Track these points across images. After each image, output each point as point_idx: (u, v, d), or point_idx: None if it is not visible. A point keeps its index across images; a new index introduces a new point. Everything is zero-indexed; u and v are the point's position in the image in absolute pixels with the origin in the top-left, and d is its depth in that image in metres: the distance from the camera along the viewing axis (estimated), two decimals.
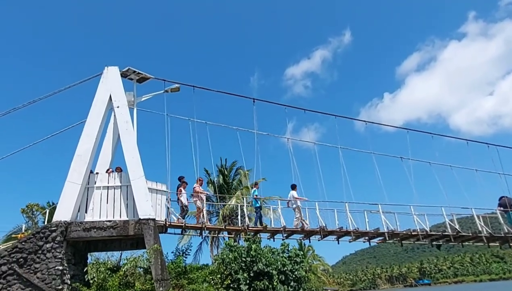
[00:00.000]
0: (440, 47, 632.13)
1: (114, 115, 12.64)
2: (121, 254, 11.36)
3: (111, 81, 12.73)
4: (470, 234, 15.66)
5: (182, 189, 13.03)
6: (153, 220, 11.02)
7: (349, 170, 16.42)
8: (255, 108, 15.57)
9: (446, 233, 15.19)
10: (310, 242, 15.99)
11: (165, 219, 11.92)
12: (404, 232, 14.79)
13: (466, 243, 17.06)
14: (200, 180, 13.87)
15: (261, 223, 14.28)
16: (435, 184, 17.15)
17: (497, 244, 16.91)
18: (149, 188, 11.57)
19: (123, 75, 13.28)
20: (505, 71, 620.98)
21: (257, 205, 14.63)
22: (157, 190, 12.03)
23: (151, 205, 11.27)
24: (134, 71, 13.41)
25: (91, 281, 9.81)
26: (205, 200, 13.53)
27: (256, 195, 14.73)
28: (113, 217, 11.06)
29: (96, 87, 12.52)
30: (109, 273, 9.80)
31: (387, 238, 14.77)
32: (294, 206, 14.64)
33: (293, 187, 14.97)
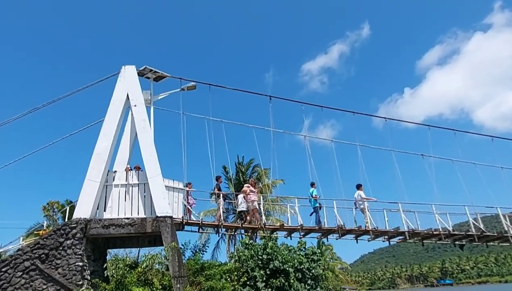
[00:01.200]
0: (463, 40, 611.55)
1: (132, 114, 12.80)
2: (139, 251, 11.53)
3: (128, 80, 12.89)
4: (496, 234, 15.10)
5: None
6: (170, 217, 11.10)
7: (367, 168, 16.09)
8: (271, 106, 15.49)
9: (469, 233, 14.68)
10: (328, 240, 15.80)
11: (182, 217, 12.01)
12: (425, 232, 14.38)
13: (491, 243, 16.43)
14: (253, 181, 14.43)
15: (319, 222, 14.01)
16: (457, 182, 16.63)
17: None
18: (166, 186, 11.68)
19: (140, 74, 13.44)
20: None
21: (316, 205, 14.33)
22: (173, 187, 12.13)
23: (168, 202, 11.38)
24: (151, 70, 13.55)
25: (110, 277, 9.97)
26: (256, 201, 13.71)
27: (315, 195, 14.47)
28: (131, 214, 11.22)
29: (113, 86, 12.71)
30: (127, 269, 9.95)
31: (408, 238, 14.39)
32: (362, 206, 14.41)
33: (359, 187, 14.79)
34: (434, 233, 14.32)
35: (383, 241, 15.34)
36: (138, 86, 12.99)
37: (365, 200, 14.35)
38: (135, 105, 12.63)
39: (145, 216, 11.21)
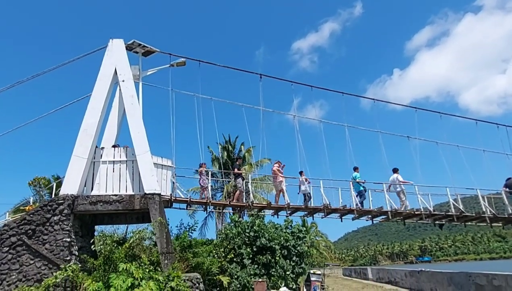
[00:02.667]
0: (453, 21, 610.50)
1: (120, 90, 12.54)
2: (127, 227, 11.64)
3: (116, 55, 12.55)
4: (474, 215, 15.68)
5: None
6: (159, 194, 11.16)
7: (355, 148, 16.34)
8: (261, 84, 15.38)
9: (449, 213, 15.21)
10: (313, 219, 16.25)
11: (171, 194, 12.08)
12: (407, 211, 14.86)
13: (469, 223, 17.13)
14: (278, 163, 14.42)
15: (362, 206, 14.37)
16: (441, 163, 17.04)
17: (500, 225, 16.98)
18: (154, 163, 11.66)
19: (128, 48, 13.08)
20: None
21: (360, 189, 14.65)
22: (162, 165, 12.12)
23: (156, 179, 11.39)
24: (140, 44, 13.19)
25: (98, 253, 10.07)
26: (282, 182, 13.99)
27: (359, 179, 14.76)
28: (119, 191, 11.21)
29: (101, 60, 12.35)
30: (115, 245, 10.04)
31: (390, 217, 14.86)
32: (399, 189, 14.75)
33: (396, 170, 15.09)
34: (416, 213, 14.81)
35: (367, 220, 15.80)
36: (126, 61, 12.67)
37: (402, 183, 14.74)
38: (123, 81, 12.35)
39: (133, 193, 11.22)
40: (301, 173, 14.82)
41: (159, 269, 9.96)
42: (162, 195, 11.39)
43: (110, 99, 12.59)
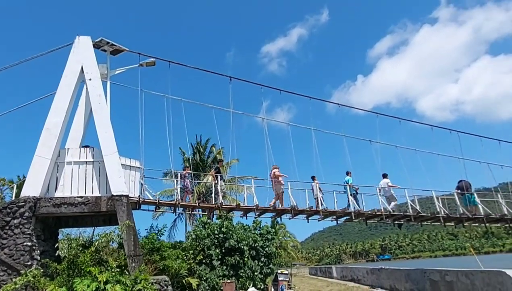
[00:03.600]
0: (412, 31, 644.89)
1: (86, 88, 12.18)
2: (93, 230, 11.31)
3: (82, 52, 12.18)
4: (429, 215, 16.82)
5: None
6: (126, 196, 10.98)
7: (320, 151, 16.92)
8: (231, 87, 15.55)
9: (407, 213, 16.22)
10: (281, 220, 16.63)
11: (139, 196, 11.92)
12: (369, 212, 15.67)
13: (425, 223, 18.32)
14: (277, 167, 14.76)
15: (348, 206, 14.99)
16: (400, 166, 18.08)
17: (452, 224, 18.31)
18: (122, 164, 11.46)
19: (96, 46, 12.74)
20: (472, 59, 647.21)
21: (352, 191, 15.27)
22: (130, 166, 11.94)
23: (124, 181, 11.20)
24: (108, 42, 12.88)
25: (62, 257, 9.74)
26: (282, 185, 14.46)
27: (351, 183, 15.34)
28: (85, 193, 10.90)
29: (66, 57, 11.93)
30: (80, 249, 9.75)
31: (353, 218, 15.60)
32: (388, 194, 15.48)
33: (385, 176, 15.84)
34: (377, 213, 15.67)
35: (332, 221, 16.48)
36: (93, 59, 12.33)
37: (391, 187, 15.61)
38: (90, 79, 12.02)
39: (99, 195, 10.96)
40: (313, 178, 15.39)
41: (126, 272, 9.81)
42: (130, 197, 11.22)
43: (76, 98, 12.18)
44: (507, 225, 19.12)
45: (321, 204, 14.88)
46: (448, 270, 12.52)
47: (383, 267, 18.92)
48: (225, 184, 14.67)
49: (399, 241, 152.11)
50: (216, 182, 14.08)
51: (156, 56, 14.15)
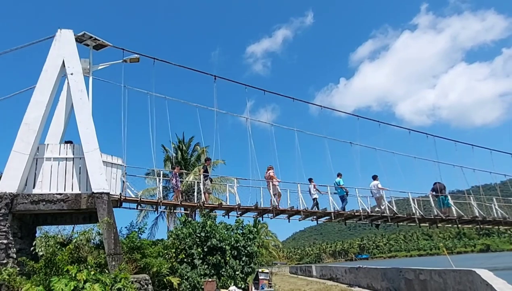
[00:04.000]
0: (393, 36, 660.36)
1: (68, 83, 11.91)
2: (73, 228, 11.08)
3: (64, 46, 11.89)
4: (405, 216, 17.38)
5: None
6: (107, 194, 10.83)
7: (303, 152, 17.20)
8: (216, 86, 15.54)
9: (384, 214, 16.69)
10: (263, 219, 16.80)
11: (120, 193, 11.77)
12: (348, 212, 16.04)
13: (401, 223, 18.92)
14: (272, 168, 15.00)
15: (344, 210, 15.46)
16: (378, 168, 18.61)
17: (427, 225, 18.99)
18: (103, 161, 11.28)
19: (78, 40, 12.46)
20: (448, 66, 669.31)
21: (343, 193, 15.72)
22: (112, 163, 11.76)
23: (105, 178, 11.03)
24: (91, 37, 12.63)
25: (40, 254, 9.52)
26: (277, 186, 14.65)
27: (342, 185, 15.73)
28: (64, 190, 10.67)
29: (47, 51, 11.62)
30: (58, 247, 9.55)
31: (333, 218, 15.92)
32: (378, 195, 15.94)
33: (375, 177, 16.33)
34: (356, 214, 16.06)
35: (312, 221, 16.75)
36: (75, 53, 12.06)
37: (381, 189, 16.11)
38: (71, 74, 11.75)
39: (79, 192, 10.75)
40: (310, 180, 15.74)
41: (106, 271, 9.69)
42: (111, 194, 11.06)
43: (56, 92, 11.90)
44: (478, 226, 20.02)
45: (317, 205, 15.37)
46: (422, 269, 13.03)
47: (361, 266, 19.41)
48: (211, 184, 14.65)
49: (376, 241, 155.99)
50: (205, 180, 14.05)
51: (140, 52, 13.99)
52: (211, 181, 14.55)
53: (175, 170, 13.35)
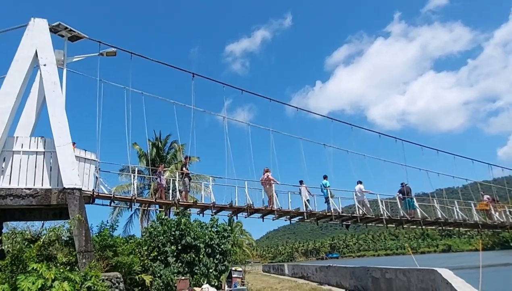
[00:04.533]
0: (367, 42, 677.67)
1: (40, 74, 11.49)
2: (42, 224, 10.74)
3: (37, 35, 11.48)
4: (374, 216, 18.11)
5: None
6: (79, 189, 10.59)
7: (278, 152, 17.46)
8: (194, 83, 15.49)
9: (354, 215, 17.33)
10: (237, 218, 16.94)
11: (93, 189, 11.53)
12: (320, 212, 16.51)
13: (370, 224, 19.68)
14: (268, 171, 15.24)
15: (328, 209, 15.92)
16: (349, 170, 19.20)
17: (394, 226, 19.87)
18: (76, 156, 11.02)
19: (53, 30, 12.06)
20: (418, 73, 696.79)
21: (328, 195, 16.16)
22: (85, 158, 11.50)
23: (77, 173, 10.78)
24: (66, 28, 12.25)
25: (6, 252, 9.17)
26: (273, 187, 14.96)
27: (328, 186, 16.18)
28: (34, 185, 10.32)
29: (19, 40, 11.17)
30: (26, 244, 9.25)
31: (306, 218, 16.33)
32: (361, 199, 16.64)
33: (360, 182, 17.08)
34: (327, 214, 16.57)
35: (285, 220, 17.09)
36: (49, 43, 11.68)
37: (365, 192, 16.82)
38: (44, 65, 11.37)
39: (50, 187, 10.45)
40: (301, 182, 16.13)
41: (77, 269, 9.48)
42: (83, 190, 10.83)
43: (28, 83, 11.47)
44: (440, 228, 21.19)
45: (307, 206, 15.83)
46: (388, 268, 13.65)
47: (331, 265, 20.00)
48: (190, 182, 14.59)
49: (346, 241, 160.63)
50: (184, 178, 13.98)
51: (117, 46, 13.71)
52: (190, 179, 14.48)
53: (160, 168, 13.23)
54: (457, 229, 22.00)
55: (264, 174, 15.56)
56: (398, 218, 18.18)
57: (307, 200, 16.00)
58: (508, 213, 21.68)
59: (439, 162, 23.97)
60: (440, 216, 18.87)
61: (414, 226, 20.15)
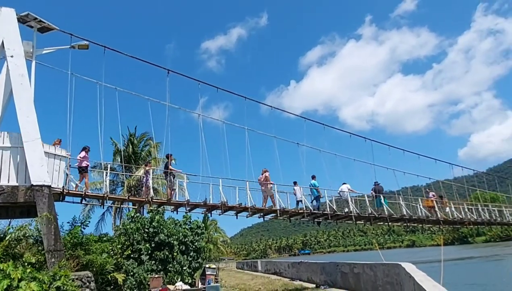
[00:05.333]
0: (339, 44, 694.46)
1: (7, 66, 10.96)
2: (9, 222, 10.33)
3: (4, 25, 10.95)
4: (343, 214, 18.76)
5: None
6: (48, 186, 10.26)
7: (253, 150, 17.59)
8: (169, 80, 15.33)
9: (325, 212, 17.86)
10: (211, 215, 16.95)
11: (63, 187, 11.20)
12: (293, 210, 16.89)
13: (340, 221, 20.34)
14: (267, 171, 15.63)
15: (318, 209, 16.41)
16: (322, 168, 19.72)
17: (362, 222, 20.67)
18: (45, 152, 10.65)
19: (21, 20, 11.52)
20: (387, 76, 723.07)
21: (317, 194, 16.74)
22: (55, 154, 11.12)
23: (46, 170, 10.43)
24: (35, 18, 11.73)
25: None
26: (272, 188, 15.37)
27: (317, 187, 16.63)
28: None
29: None
30: None
31: (279, 215, 16.66)
32: (346, 197, 17.40)
33: (345, 183, 17.93)
34: (299, 211, 16.99)
35: (259, 217, 17.35)
36: (17, 34, 11.15)
37: (351, 191, 17.69)
38: (11, 56, 10.86)
39: (17, 184, 10.04)
40: (295, 183, 16.68)
41: (46, 268, 9.22)
42: (52, 187, 10.50)
43: None
44: (405, 224, 22.27)
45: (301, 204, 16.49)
46: (356, 263, 14.28)
47: (302, 261, 20.55)
48: (174, 179, 14.36)
49: (318, 237, 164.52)
50: (167, 176, 13.81)
51: (90, 39, 13.30)
52: (174, 176, 14.30)
53: (147, 167, 13.00)
54: (421, 225, 23.16)
55: (262, 174, 15.88)
56: (367, 215, 18.94)
57: (300, 201, 16.56)
58: (461, 210, 23.14)
59: (405, 161, 25.14)
60: (405, 213, 19.84)
61: (381, 223, 21.06)
